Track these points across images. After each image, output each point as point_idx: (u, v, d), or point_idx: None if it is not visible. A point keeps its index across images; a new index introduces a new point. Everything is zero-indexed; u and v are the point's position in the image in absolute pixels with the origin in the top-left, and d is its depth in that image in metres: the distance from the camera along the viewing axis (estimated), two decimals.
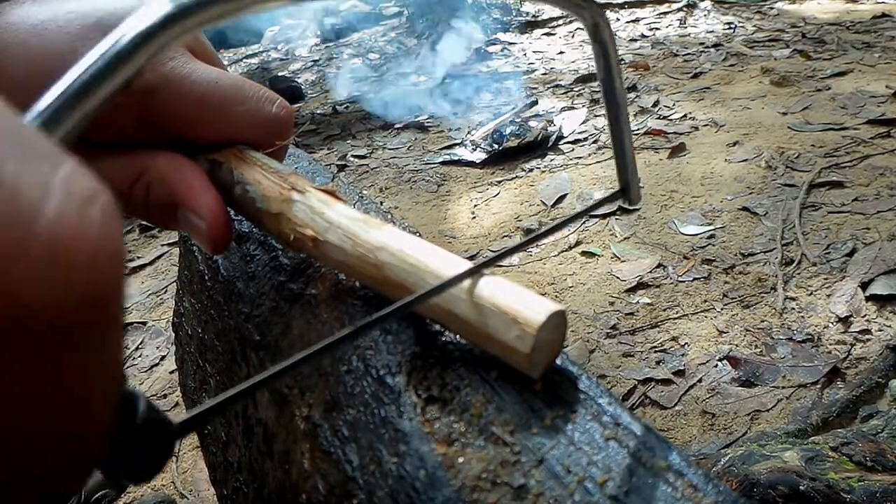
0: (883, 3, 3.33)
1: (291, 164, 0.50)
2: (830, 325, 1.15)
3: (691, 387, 1.09)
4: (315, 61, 4.57)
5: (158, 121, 0.31)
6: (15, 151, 0.12)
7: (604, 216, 1.66)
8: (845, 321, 1.15)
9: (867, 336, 1.11)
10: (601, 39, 0.28)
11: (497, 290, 0.23)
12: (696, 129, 2.07)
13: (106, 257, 0.12)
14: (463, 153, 2.26)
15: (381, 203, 0.32)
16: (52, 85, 0.28)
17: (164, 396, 1.34)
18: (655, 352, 1.18)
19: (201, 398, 0.46)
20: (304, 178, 0.31)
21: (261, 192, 0.30)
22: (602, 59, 0.28)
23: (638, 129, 2.15)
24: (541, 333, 0.22)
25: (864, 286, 1.21)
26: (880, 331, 1.11)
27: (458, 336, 0.26)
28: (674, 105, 2.31)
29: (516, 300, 0.23)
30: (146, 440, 0.17)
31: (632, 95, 2.51)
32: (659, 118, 2.22)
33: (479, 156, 2.19)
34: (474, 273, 0.25)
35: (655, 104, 2.35)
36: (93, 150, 0.31)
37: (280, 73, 4.11)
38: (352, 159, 2.45)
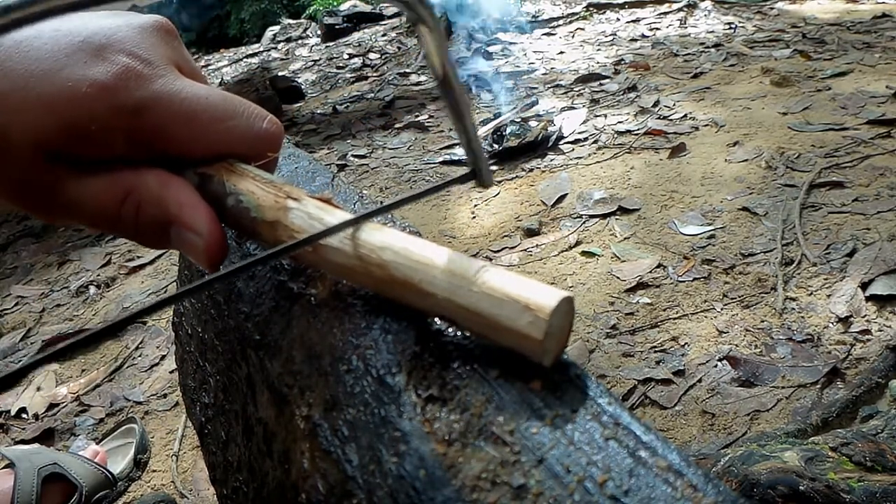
0: (883, 3, 3.33)
1: (291, 164, 0.50)
2: (830, 325, 1.15)
3: (691, 387, 1.09)
4: (315, 61, 4.57)
5: (148, 139, 0.30)
6: None
7: (604, 216, 1.66)
8: (845, 321, 1.15)
9: (867, 336, 1.11)
10: (430, 31, 0.27)
11: (506, 280, 0.24)
12: (697, 129, 2.07)
13: None
14: (463, 153, 2.26)
15: (381, 203, 0.33)
16: (36, 101, 0.28)
17: (164, 396, 1.34)
18: (655, 352, 1.18)
19: (201, 398, 0.46)
20: (298, 188, 0.31)
21: (255, 201, 0.30)
22: (431, 52, 0.28)
23: (638, 129, 2.15)
24: (553, 319, 0.22)
25: (864, 286, 1.21)
26: (880, 331, 1.11)
27: (466, 331, 0.26)
28: (674, 105, 2.31)
29: (526, 288, 0.23)
30: None
31: (632, 95, 2.51)
32: (659, 118, 2.22)
33: None
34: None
35: (655, 104, 2.35)
36: (78, 170, 0.30)
37: (280, 73, 4.11)
38: (352, 159, 2.45)
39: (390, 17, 5.42)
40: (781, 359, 1.10)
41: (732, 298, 1.27)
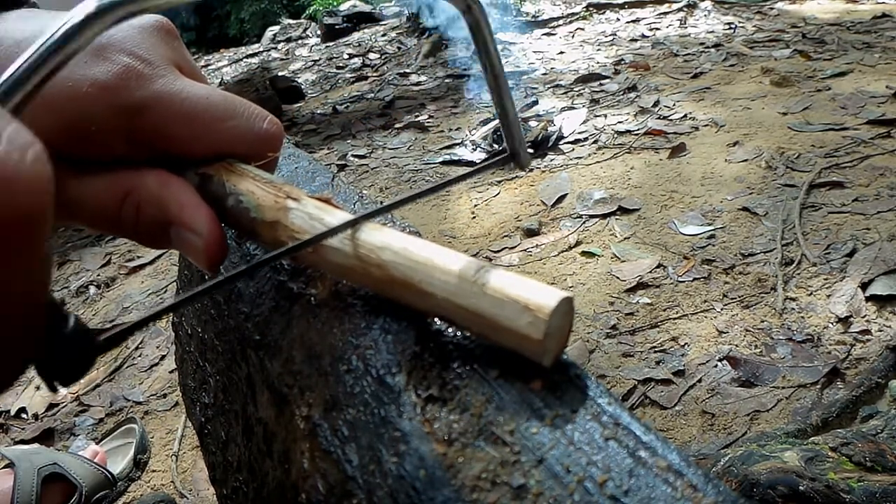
0: (883, 3, 3.33)
1: (291, 164, 0.50)
2: (830, 325, 1.15)
3: (691, 387, 1.09)
4: (315, 61, 4.57)
5: (149, 139, 0.30)
6: None
7: (604, 216, 1.66)
8: (845, 321, 1.15)
9: (867, 336, 1.11)
10: (474, 15, 0.28)
11: (506, 280, 0.24)
12: (697, 129, 2.07)
13: (36, 185, 0.16)
14: (463, 153, 2.27)
15: (381, 203, 0.32)
16: (36, 101, 0.28)
17: (164, 396, 1.34)
18: (655, 352, 1.18)
19: (201, 398, 0.46)
20: (298, 188, 0.31)
21: (255, 201, 0.30)
22: (477, 34, 0.29)
23: (638, 129, 2.15)
24: (552, 319, 0.22)
25: (864, 286, 1.21)
26: (880, 331, 1.11)
27: (466, 331, 0.26)
28: (674, 105, 2.31)
29: (526, 288, 0.23)
30: (74, 348, 0.21)
31: (632, 95, 2.51)
32: (659, 118, 2.22)
33: (479, 156, 2.19)
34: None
35: (655, 104, 2.35)
36: (78, 170, 0.30)
37: (280, 73, 4.12)
38: (352, 159, 2.45)
39: (390, 18, 5.42)
40: (781, 359, 1.10)
41: (732, 298, 1.27)
